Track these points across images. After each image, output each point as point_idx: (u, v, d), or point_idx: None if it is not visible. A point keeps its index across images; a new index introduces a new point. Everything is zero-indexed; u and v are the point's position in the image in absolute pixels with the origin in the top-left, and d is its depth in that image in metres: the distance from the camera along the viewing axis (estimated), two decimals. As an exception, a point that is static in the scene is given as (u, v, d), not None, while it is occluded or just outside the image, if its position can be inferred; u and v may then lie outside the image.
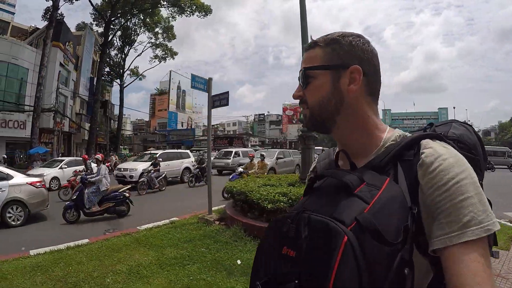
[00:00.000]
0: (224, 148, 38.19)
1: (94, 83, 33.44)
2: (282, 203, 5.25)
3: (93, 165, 11.60)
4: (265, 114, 70.24)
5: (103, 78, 37.59)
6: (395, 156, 0.71)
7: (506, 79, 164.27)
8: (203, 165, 14.39)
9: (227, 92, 7.37)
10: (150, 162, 14.24)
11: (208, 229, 6.24)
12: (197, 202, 9.35)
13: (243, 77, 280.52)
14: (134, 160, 17.53)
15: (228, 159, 20.76)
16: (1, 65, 21.35)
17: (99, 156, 8.56)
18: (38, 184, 7.97)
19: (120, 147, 42.36)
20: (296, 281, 0.57)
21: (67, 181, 11.80)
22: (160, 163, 14.26)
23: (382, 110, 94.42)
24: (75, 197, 7.57)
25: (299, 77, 0.80)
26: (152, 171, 13.13)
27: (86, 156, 12.18)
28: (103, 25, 33.31)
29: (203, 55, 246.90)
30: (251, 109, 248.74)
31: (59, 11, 26.88)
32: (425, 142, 0.71)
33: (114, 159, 25.34)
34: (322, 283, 0.54)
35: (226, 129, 71.10)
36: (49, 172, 13.85)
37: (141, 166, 14.46)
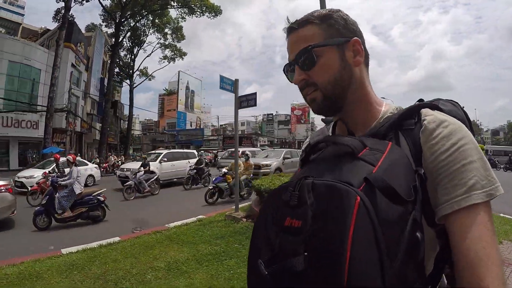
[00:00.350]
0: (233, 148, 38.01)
1: (105, 83, 33.59)
2: None
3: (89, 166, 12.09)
4: (274, 114, 70.10)
5: (113, 78, 37.91)
6: (394, 124, 0.71)
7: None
8: (201, 166, 13.60)
9: (255, 93, 7.34)
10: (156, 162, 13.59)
11: (238, 226, 6.39)
12: (190, 208, 8.89)
13: (250, 77, 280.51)
14: (139, 160, 16.02)
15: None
16: (14, 66, 21.47)
17: (70, 157, 7.79)
18: (2, 188, 7.03)
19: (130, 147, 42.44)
20: (306, 253, 0.52)
21: (36, 183, 10.49)
22: (164, 163, 13.83)
23: None
24: (44, 201, 6.90)
25: (296, 59, 0.75)
26: (141, 172, 11.51)
27: (58, 156, 10.93)
28: (113, 26, 33.63)
29: (211, 55, 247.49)
30: (258, 109, 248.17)
31: (70, 13, 27.13)
32: (425, 110, 0.71)
33: (113, 159, 23.88)
34: (337, 250, 0.48)
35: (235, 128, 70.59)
36: (39, 174, 12.02)
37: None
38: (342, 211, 0.50)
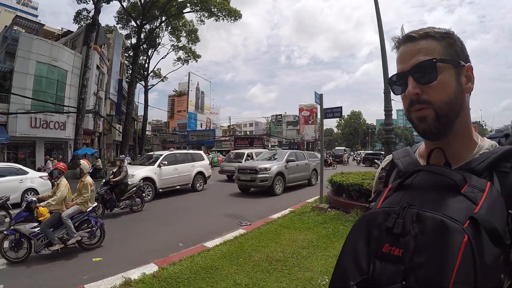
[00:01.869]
0: (245, 148, 37.90)
1: (122, 85, 33.45)
2: None
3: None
4: (283, 115, 70.03)
5: (127, 79, 37.63)
6: (492, 164, 0.68)
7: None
8: (119, 179, 9.01)
9: (340, 107, 8.21)
10: (156, 165, 11.13)
11: (328, 214, 7.15)
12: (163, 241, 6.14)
13: (254, 77, 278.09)
14: (139, 164, 12.53)
15: (239, 162, 16.06)
16: (42, 67, 21.15)
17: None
18: None
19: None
20: (403, 282, 0.53)
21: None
22: (164, 167, 11.12)
23: (397, 110, 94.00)
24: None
25: (413, 71, 0.70)
26: (108, 183, 8.34)
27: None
28: (128, 28, 33.46)
29: (214, 55, 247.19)
30: (263, 109, 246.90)
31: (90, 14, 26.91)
32: None
33: (98, 164, 19.17)
34: (439, 284, 0.49)
35: (243, 129, 70.74)
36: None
37: (140, 172, 10.46)
38: (448, 248, 0.50)
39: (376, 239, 0.59)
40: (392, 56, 0.79)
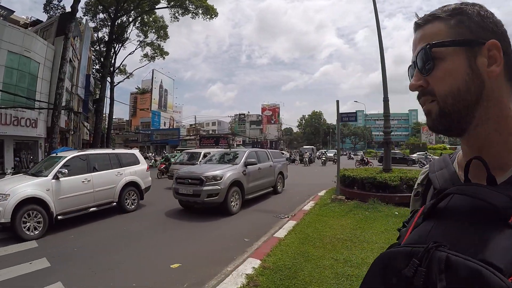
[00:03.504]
0: (211, 147, 37.37)
1: (90, 80, 31.06)
2: (397, 182, 7.96)
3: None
4: (246, 114, 70.17)
5: (93, 75, 34.97)
6: None
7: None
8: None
9: (355, 112, 10.30)
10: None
11: (350, 204, 7.97)
12: None
13: (213, 76, 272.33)
14: (33, 174, 7.79)
15: (193, 164, 12.18)
16: (13, 57, 18.94)
17: None
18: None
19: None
20: None
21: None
22: (65, 178, 6.83)
23: (356, 111, 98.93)
24: None
25: (414, 62, 0.62)
26: None
27: None
28: (96, 20, 31.26)
29: (175, 52, 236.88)
30: (222, 108, 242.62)
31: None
32: None
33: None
34: None
35: (205, 128, 69.48)
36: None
37: (19, 189, 6.12)
38: None
39: None
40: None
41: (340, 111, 9.10)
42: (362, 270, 3.73)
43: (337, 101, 9.55)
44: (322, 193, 10.45)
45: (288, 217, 7.37)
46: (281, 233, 5.63)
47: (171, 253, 4.99)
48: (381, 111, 9.55)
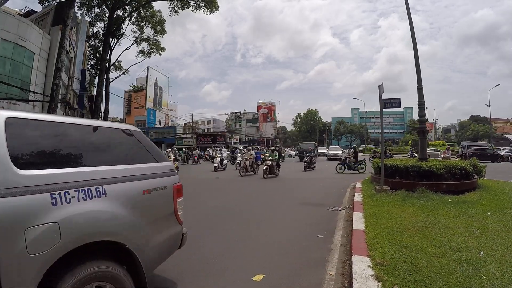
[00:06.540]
0: (208, 145, 36.23)
1: (86, 75, 29.53)
2: (443, 170, 7.70)
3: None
4: (242, 112, 68.94)
5: (89, 71, 33.46)
6: None
7: (463, 80, 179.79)
8: None
9: (399, 98, 8.49)
10: None
11: (398, 193, 7.41)
12: None
13: (207, 75, 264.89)
14: None
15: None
16: (7, 46, 17.47)
17: None
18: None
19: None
20: None
21: None
22: None
23: (352, 109, 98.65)
24: None
25: None
26: None
27: None
28: (92, 14, 29.96)
29: (170, 51, 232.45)
30: (216, 107, 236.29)
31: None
32: None
33: None
34: None
35: (201, 127, 67.91)
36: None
37: None
38: None
39: None
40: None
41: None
42: (472, 253, 3.48)
43: (379, 86, 8.60)
44: (358, 184, 9.96)
45: (343, 209, 6.91)
46: (358, 226, 4.85)
47: (241, 263, 3.84)
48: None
